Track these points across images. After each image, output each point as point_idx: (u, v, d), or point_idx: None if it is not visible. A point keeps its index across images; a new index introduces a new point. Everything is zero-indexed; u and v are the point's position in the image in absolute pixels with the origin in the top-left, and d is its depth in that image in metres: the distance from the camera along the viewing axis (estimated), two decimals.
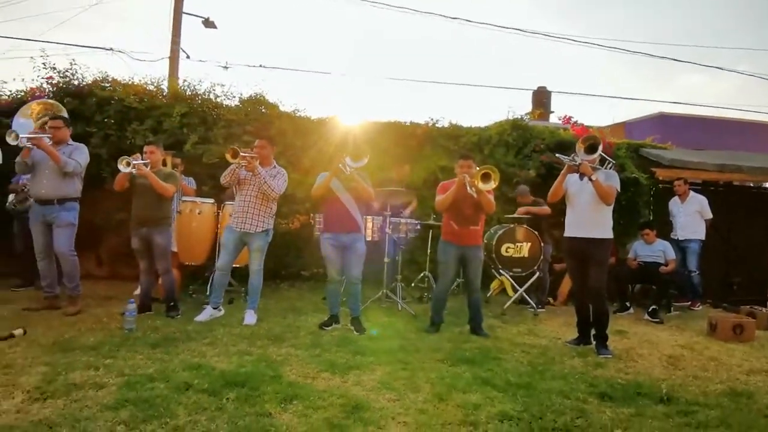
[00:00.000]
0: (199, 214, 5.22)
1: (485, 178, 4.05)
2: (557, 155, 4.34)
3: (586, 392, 2.99)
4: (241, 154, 4.18)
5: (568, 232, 4.18)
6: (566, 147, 7.04)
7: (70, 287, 4.42)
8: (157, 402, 2.40)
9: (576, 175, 4.12)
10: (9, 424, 2.14)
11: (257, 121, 6.66)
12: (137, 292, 5.50)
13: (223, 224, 5.31)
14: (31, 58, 6.32)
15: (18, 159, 4.23)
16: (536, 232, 5.53)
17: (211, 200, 5.46)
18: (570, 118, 7.69)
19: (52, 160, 4.16)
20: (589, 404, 2.82)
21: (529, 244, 5.50)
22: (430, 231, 5.81)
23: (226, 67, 9.84)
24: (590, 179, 3.85)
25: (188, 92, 6.60)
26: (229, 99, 6.79)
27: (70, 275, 4.39)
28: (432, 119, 7.18)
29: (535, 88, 23.38)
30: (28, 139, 4.09)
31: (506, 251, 5.48)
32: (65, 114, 4.83)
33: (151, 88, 6.65)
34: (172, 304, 4.50)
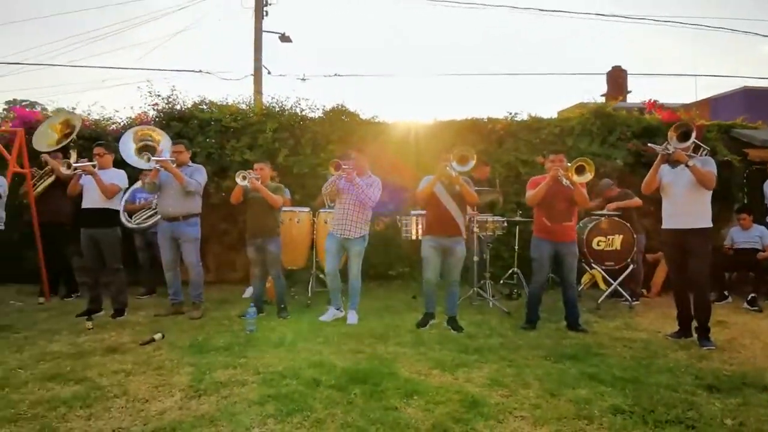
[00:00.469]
0: (297, 222, 5.62)
1: (580, 170, 4.06)
2: (649, 145, 4.24)
3: (694, 385, 3.02)
4: (343, 166, 4.47)
5: (666, 223, 4.09)
6: (653, 133, 6.78)
7: (195, 295, 4.95)
8: (295, 397, 2.71)
9: (669, 165, 4.03)
10: (178, 419, 2.51)
11: (340, 130, 7.00)
12: (245, 295, 6.05)
13: (318, 231, 5.71)
14: (138, 87, 7.07)
15: (147, 180, 4.82)
16: (627, 224, 5.40)
17: (307, 209, 5.85)
18: (655, 102, 7.36)
19: (177, 180, 4.69)
20: (698, 396, 2.84)
21: (621, 236, 5.38)
22: (516, 227, 5.84)
23: (303, 79, 10.36)
24: (687, 165, 3.76)
25: (277, 108, 7.06)
26: (313, 111, 7.19)
27: (196, 284, 4.93)
28: (510, 113, 7.17)
29: (610, 68, 22.20)
30: (157, 161, 4.64)
31: (597, 245, 5.39)
32: (164, 137, 5.34)
33: (244, 107, 7.19)
34: (282, 306, 4.91)
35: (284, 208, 5.84)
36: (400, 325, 4.41)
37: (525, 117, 7.14)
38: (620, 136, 6.75)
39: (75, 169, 4.67)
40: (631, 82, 21.41)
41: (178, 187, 4.75)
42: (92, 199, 4.78)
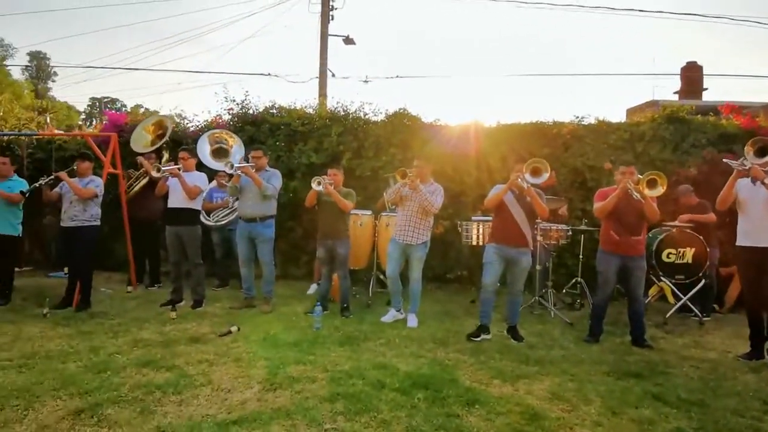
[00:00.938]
0: (360, 225, 5.83)
1: (651, 183, 3.96)
2: (725, 160, 4.07)
3: (761, 410, 2.94)
4: (409, 175, 4.61)
5: (742, 241, 3.94)
6: (730, 140, 6.43)
7: (266, 290, 5.29)
8: (362, 397, 2.89)
9: (746, 180, 3.87)
10: (258, 410, 2.76)
11: (402, 133, 7.13)
12: (310, 291, 6.36)
13: (379, 233, 5.90)
14: (215, 92, 7.56)
15: (230, 184, 5.19)
16: (701, 236, 5.18)
17: (369, 212, 6.04)
18: (733, 106, 6.94)
19: (256, 185, 5.02)
20: (765, 422, 2.77)
21: (693, 249, 5.17)
22: (582, 235, 5.73)
23: (366, 81, 10.57)
24: (763, 183, 3.59)
25: (342, 113, 7.30)
26: (375, 115, 7.36)
27: (268, 280, 5.27)
28: (577, 117, 7.01)
29: (684, 64, 20.89)
30: (239, 168, 4.99)
31: (668, 257, 5.21)
32: (237, 140, 5.67)
33: (311, 111, 7.49)
34: (345, 305, 5.14)
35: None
36: (460, 331, 4.50)
37: (592, 120, 6.96)
38: (694, 142, 6.43)
39: (163, 172, 5.10)
40: (707, 81, 20.02)
41: (257, 191, 5.08)
42: (177, 199, 5.21)
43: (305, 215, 7.13)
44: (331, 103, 7.72)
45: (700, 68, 20.91)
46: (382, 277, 6.11)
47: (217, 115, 7.60)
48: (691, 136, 6.48)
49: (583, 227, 5.64)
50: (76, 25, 58.77)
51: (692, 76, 20.80)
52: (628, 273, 4.24)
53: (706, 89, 21.35)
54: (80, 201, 5.07)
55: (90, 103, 44.67)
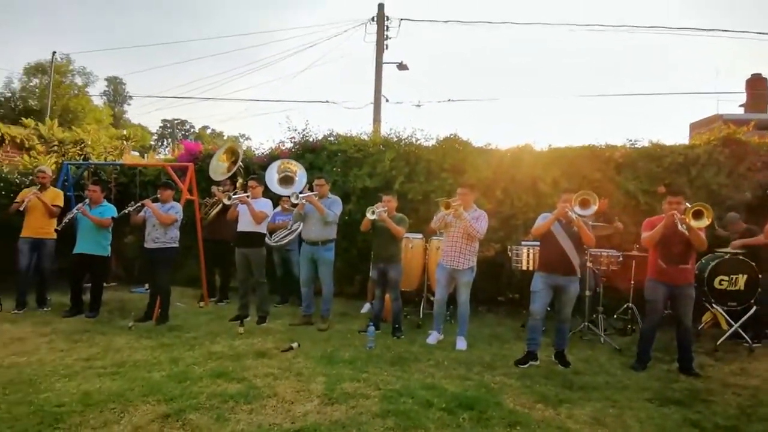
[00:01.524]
0: (411, 248, 6.12)
1: (697, 215, 3.99)
2: None
3: None
4: (453, 204, 4.85)
5: None
6: None
7: (324, 309, 5.69)
8: (411, 415, 3.15)
9: None
10: (317, 422, 3.08)
11: (453, 158, 7.37)
12: (363, 310, 6.69)
13: (430, 256, 6.15)
14: (279, 123, 8.18)
15: (295, 211, 5.70)
16: (753, 263, 5.07)
17: (420, 235, 6.32)
18: None
19: (318, 212, 5.46)
20: None
21: (746, 276, 5.09)
22: (633, 261, 5.72)
23: (418, 105, 10.93)
24: None
25: (394, 138, 7.67)
26: (427, 141, 7.66)
27: (327, 299, 5.68)
28: (630, 140, 6.99)
29: (749, 76, 19.82)
30: (304, 197, 5.45)
31: (719, 284, 5.15)
32: (300, 168, 6.14)
33: (365, 137, 7.92)
34: (397, 326, 5.42)
35: None
36: (508, 355, 4.66)
37: (646, 143, 6.92)
38: (750, 166, 6.26)
39: (233, 200, 5.64)
40: None
41: (320, 217, 5.52)
42: (246, 223, 5.73)
43: (359, 236, 7.48)
44: (384, 129, 8.10)
45: (765, 80, 19.77)
46: (432, 298, 6.34)
47: (281, 142, 8.20)
48: (748, 159, 6.32)
49: (634, 252, 5.64)
50: (151, 55, 63.66)
51: (758, 88, 19.71)
52: (677, 301, 4.26)
53: None
54: (162, 225, 5.68)
55: (162, 125, 48.20)
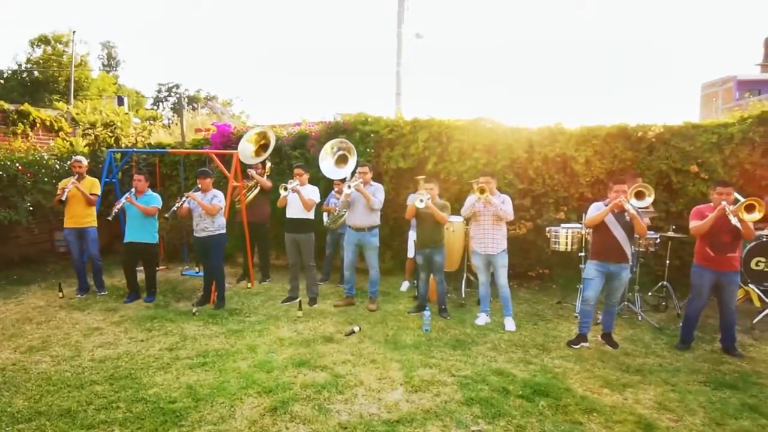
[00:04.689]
0: (452, 231, 6.34)
1: (750, 209, 4.18)
2: None
3: None
4: (486, 188, 5.11)
5: None
6: None
7: (372, 290, 5.97)
8: (494, 402, 3.46)
9: None
10: (412, 411, 3.37)
11: (485, 138, 7.48)
12: (402, 288, 6.99)
13: (470, 237, 6.37)
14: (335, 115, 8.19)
15: (341, 199, 5.87)
16: None
17: (461, 218, 6.51)
18: None
19: (365, 199, 5.65)
20: None
21: None
22: (669, 242, 5.97)
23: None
24: None
25: (425, 118, 7.72)
26: (459, 122, 7.72)
27: (374, 281, 5.95)
28: (663, 121, 7.09)
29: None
30: (354, 186, 5.62)
31: (756, 265, 5.42)
32: (351, 150, 6.26)
33: (394, 118, 7.97)
34: (443, 306, 5.72)
35: None
36: (558, 336, 4.98)
37: (679, 122, 7.03)
38: None
39: (288, 190, 5.79)
40: None
41: (365, 204, 5.71)
42: (295, 210, 5.92)
43: (391, 214, 7.71)
44: (414, 113, 8.08)
45: None
46: (472, 278, 6.64)
47: (308, 123, 8.25)
48: None
49: (670, 233, 5.88)
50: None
51: None
52: (722, 287, 4.51)
53: None
54: (208, 215, 5.85)
55: (157, 89, 47.15)
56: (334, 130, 7.98)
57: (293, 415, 3.31)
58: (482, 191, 5.17)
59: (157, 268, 6.75)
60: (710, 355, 4.53)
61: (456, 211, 6.65)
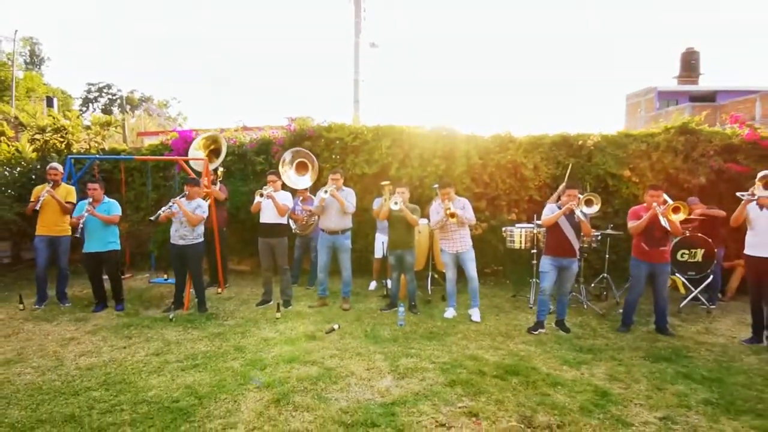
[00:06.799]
0: (419, 233, 6.77)
1: (676, 210, 4.97)
2: (737, 194, 5.07)
3: (763, 385, 4.02)
4: (456, 214, 5.58)
5: (749, 250, 4.98)
6: (735, 151, 7.39)
7: (345, 291, 6.27)
8: (473, 383, 3.90)
9: (755, 203, 4.86)
10: (403, 394, 3.73)
11: (444, 144, 7.99)
12: (371, 288, 7.35)
13: (435, 239, 6.86)
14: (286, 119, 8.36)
15: (316, 203, 6.12)
16: (710, 239, 6.22)
17: (426, 221, 6.97)
18: (737, 117, 7.89)
19: (339, 203, 5.96)
20: (766, 393, 3.84)
21: (703, 250, 6.21)
22: (608, 239, 6.74)
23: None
24: None
25: (385, 125, 8.14)
26: (420, 130, 8.20)
27: (347, 282, 6.26)
28: (599, 131, 7.93)
29: (684, 50, 21.80)
30: (329, 192, 5.91)
31: (681, 257, 6.26)
32: (308, 157, 6.56)
33: (359, 125, 8.33)
34: (413, 303, 6.14)
35: None
36: (518, 325, 5.55)
37: (613, 132, 7.89)
38: (703, 152, 7.40)
39: (264, 197, 5.99)
40: (705, 65, 21.05)
41: (339, 208, 6.02)
42: (269, 216, 6.13)
43: (355, 218, 8.02)
44: (377, 120, 8.45)
45: (697, 53, 21.86)
46: (436, 276, 7.11)
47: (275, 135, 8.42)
48: (700, 146, 7.44)
49: (609, 231, 6.64)
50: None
51: (690, 61, 21.74)
52: (656, 276, 5.26)
53: (702, 74, 22.34)
54: (190, 224, 5.91)
55: (87, 89, 44.60)
56: (299, 137, 8.22)
57: (296, 405, 3.57)
58: (453, 216, 5.63)
59: (122, 276, 6.69)
60: (647, 335, 5.25)
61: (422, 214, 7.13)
